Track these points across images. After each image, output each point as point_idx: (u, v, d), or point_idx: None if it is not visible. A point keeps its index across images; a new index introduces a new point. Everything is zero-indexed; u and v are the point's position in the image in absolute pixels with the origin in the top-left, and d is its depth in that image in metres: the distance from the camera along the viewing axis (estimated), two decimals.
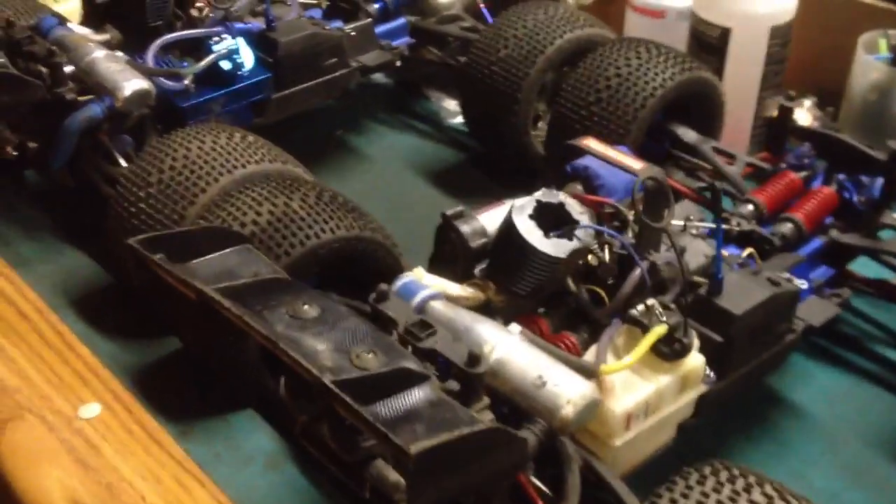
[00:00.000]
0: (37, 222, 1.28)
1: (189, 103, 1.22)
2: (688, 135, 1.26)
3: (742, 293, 0.92)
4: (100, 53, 1.13)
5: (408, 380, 0.68)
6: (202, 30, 1.27)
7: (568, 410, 0.75)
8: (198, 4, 1.31)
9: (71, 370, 1.00)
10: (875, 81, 1.40)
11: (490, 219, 0.94)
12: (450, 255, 0.93)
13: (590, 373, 0.80)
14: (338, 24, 1.40)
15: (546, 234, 0.88)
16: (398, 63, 1.45)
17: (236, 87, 1.25)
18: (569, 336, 0.89)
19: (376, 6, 1.46)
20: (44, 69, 1.13)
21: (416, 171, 1.45)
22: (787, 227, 1.10)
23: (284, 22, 1.31)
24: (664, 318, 0.83)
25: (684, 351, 0.84)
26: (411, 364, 0.69)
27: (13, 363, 1.00)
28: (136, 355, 1.07)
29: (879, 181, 1.15)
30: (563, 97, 1.26)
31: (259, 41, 1.29)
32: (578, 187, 0.99)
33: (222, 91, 1.25)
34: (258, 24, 1.30)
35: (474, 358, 0.75)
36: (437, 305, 0.83)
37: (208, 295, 0.71)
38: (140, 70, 1.16)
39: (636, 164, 0.96)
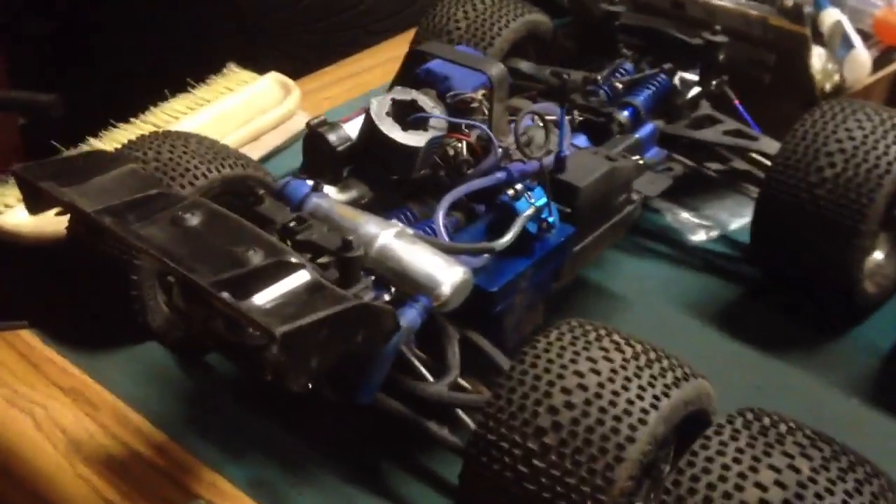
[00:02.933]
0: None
1: (499, 285, 0.92)
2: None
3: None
4: (389, 232, 0.87)
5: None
6: (487, 178, 0.98)
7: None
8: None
9: None
10: None
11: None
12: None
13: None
14: (582, 140, 1.14)
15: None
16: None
17: (544, 252, 0.97)
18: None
19: (626, 113, 1.20)
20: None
21: (679, 308, 1.18)
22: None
23: (571, 157, 1.02)
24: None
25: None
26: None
27: None
28: None
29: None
30: None
31: (548, 185, 0.99)
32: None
33: (529, 261, 0.95)
34: (531, 162, 0.99)
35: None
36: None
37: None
38: (441, 248, 0.89)
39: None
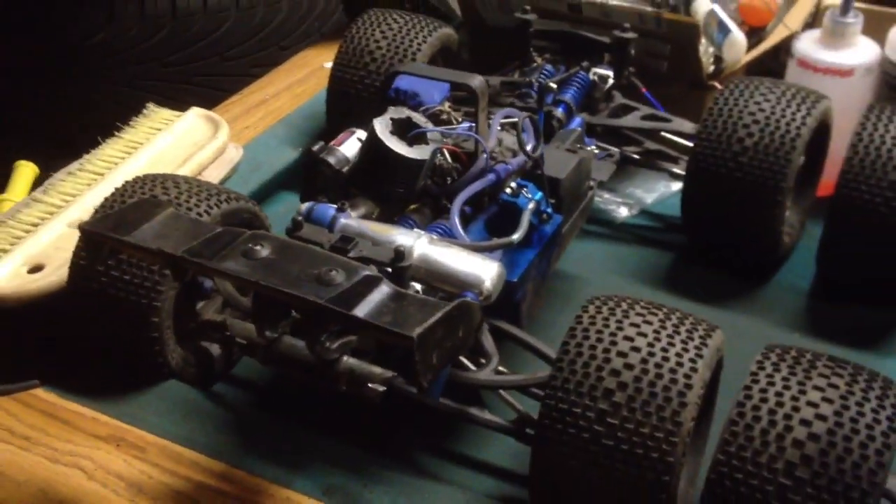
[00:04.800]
0: None
1: (517, 275, 1.03)
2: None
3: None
4: (423, 241, 0.95)
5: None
6: (483, 180, 1.06)
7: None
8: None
9: None
10: None
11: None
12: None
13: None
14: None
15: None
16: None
17: (545, 241, 1.08)
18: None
19: (560, 110, 1.31)
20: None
21: (627, 278, 1.31)
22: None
23: (546, 153, 1.12)
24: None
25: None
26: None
27: None
28: None
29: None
30: None
31: (530, 180, 1.10)
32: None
33: (536, 250, 1.06)
34: (513, 161, 1.09)
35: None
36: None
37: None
38: (469, 248, 0.98)
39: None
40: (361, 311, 0.79)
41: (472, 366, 1.00)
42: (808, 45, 1.45)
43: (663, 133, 1.42)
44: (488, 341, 1.00)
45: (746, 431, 0.82)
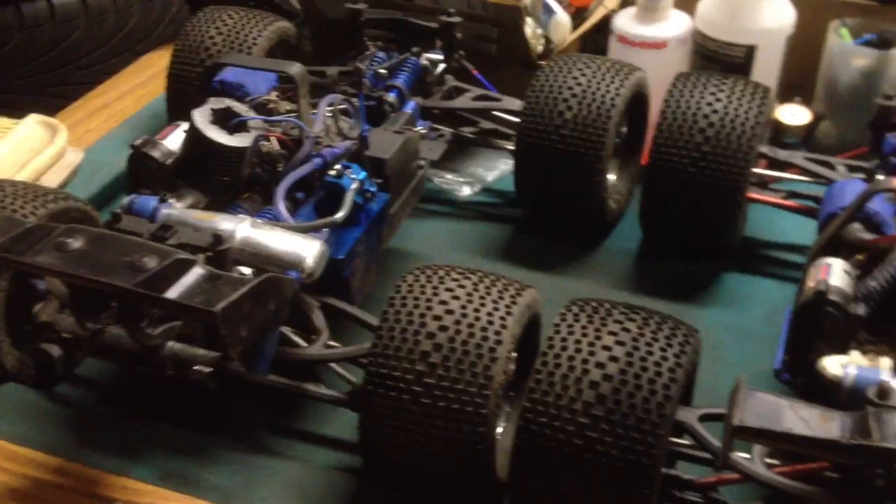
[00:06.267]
0: None
1: (344, 253, 1.07)
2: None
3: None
4: (245, 224, 0.99)
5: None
6: (309, 164, 1.10)
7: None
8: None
9: None
10: (863, 67, 1.46)
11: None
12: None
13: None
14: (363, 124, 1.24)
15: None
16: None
17: (371, 219, 1.12)
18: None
19: (393, 95, 1.36)
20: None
21: (468, 253, 1.38)
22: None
23: (372, 135, 1.17)
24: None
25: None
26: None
27: None
28: None
29: None
30: None
31: (356, 162, 1.14)
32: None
33: (362, 228, 1.11)
34: (341, 144, 1.15)
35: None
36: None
37: None
38: (292, 229, 1.02)
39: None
40: (173, 293, 0.81)
41: (304, 342, 1.03)
42: (625, 22, 1.54)
43: (495, 112, 1.48)
44: (318, 317, 1.04)
45: (549, 378, 0.88)
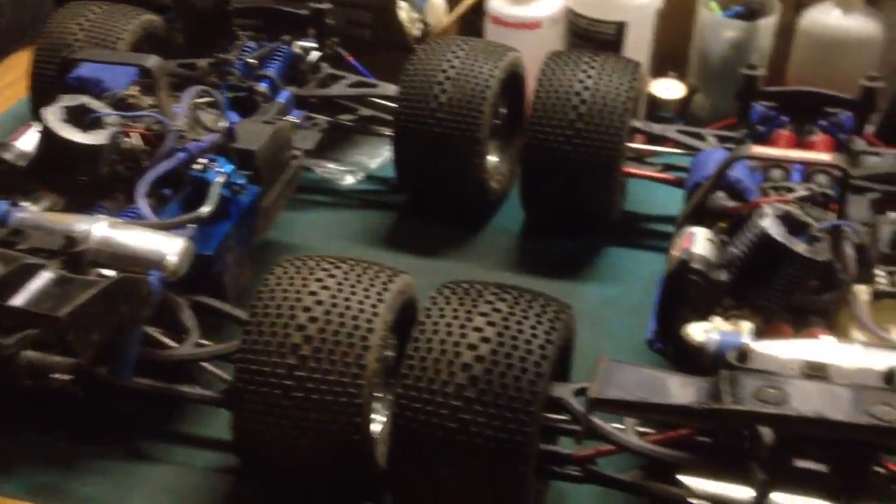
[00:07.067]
0: None
1: (212, 248, 1.03)
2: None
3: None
4: (102, 224, 0.93)
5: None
6: (172, 160, 1.06)
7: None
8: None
9: None
10: (732, 39, 1.49)
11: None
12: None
13: None
14: (234, 116, 1.22)
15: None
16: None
17: (241, 212, 1.07)
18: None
19: (264, 85, 1.32)
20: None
21: (353, 241, 1.36)
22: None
23: (241, 127, 1.14)
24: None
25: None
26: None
27: None
28: None
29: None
30: None
31: (225, 154, 1.10)
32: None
33: (231, 222, 1.06)
34: (207, 137, 1.10)
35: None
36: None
37: None
38: (153, 226, 0.97)
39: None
40: (18, 300, 0.78)
41: (174, 343, 1.00)
42: (499, 3, 1.53)
43: (372, 98, 1.46)
44: (187, 316, 1.01)
45: (421, 363, 0.87)
